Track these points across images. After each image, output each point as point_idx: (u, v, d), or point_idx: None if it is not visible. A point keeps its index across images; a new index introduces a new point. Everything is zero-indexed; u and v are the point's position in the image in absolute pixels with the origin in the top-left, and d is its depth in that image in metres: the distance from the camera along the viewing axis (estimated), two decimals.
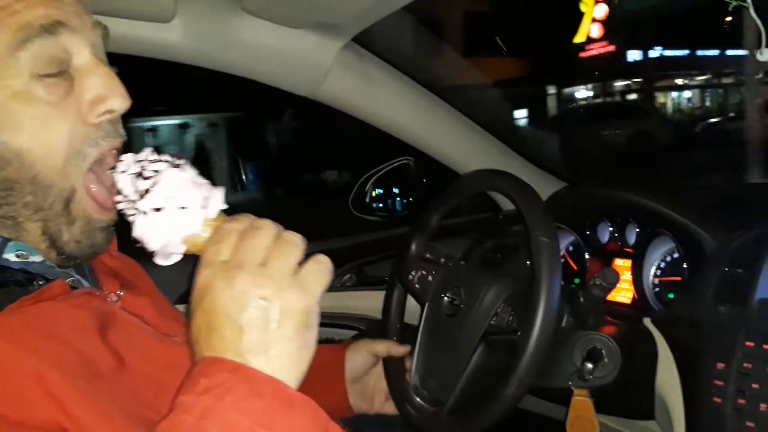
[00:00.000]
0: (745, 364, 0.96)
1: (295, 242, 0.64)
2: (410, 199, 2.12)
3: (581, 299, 1.14)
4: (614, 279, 1.09)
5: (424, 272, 1.27)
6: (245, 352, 0.60)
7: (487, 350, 1.12)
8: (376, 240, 2.00)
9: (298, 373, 0.62)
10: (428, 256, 1.31)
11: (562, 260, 1.55)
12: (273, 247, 0.63)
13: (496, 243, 1.60)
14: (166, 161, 0.72)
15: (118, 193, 0.72)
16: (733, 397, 0.96)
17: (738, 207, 1.24)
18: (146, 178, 0.70)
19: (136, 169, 0.72)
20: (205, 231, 0.69)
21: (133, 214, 0.70)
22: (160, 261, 0.70)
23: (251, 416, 0.56)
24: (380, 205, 2.21)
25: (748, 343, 0.97)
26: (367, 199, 2.26)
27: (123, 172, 0.73)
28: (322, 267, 0.65)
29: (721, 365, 0.99)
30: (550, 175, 1.68)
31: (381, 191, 2.20)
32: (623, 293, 1.39)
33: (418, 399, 1.19)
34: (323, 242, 1.98)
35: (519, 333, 1.01)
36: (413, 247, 1.32)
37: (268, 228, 0.64)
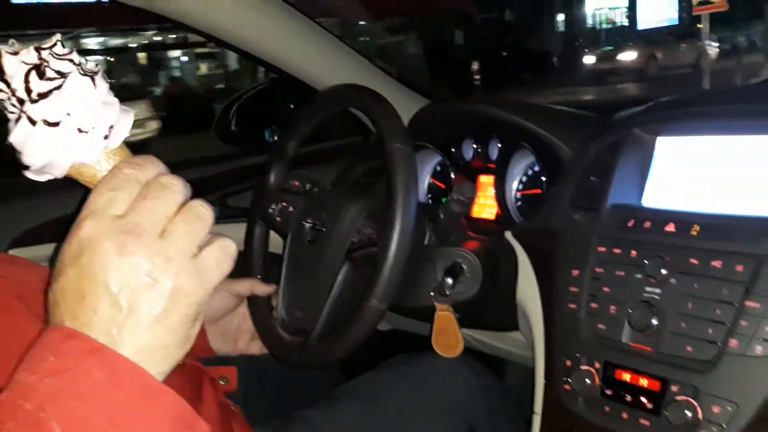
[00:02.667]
0: (597, 269, 0.98)
1: (203, 217, 0.52)
2: (276, 126, 2.01)
3: (441, 216, 1.12)
4: (471, 193, 1.07)
5: (285, 204, 1.19)
6: (115, 334, 0.48)
7: (351, 269, 1.08)
8: (242, 168, 1.87)
9: (168, 369, 0.51)
10: (293, 184, 1.23)
11: (429, 181, 1.53)
12: (178, 219, 0.51)
13: (366, 167, 1.54)
14: (77, 64, 0.54)
15: (2, 77, 0.53)
16: (587, 302, 0.98)
17: (594, 117, 1.25)
18: (45, 77, 0.52)
19: (35, 59, 0.53)
20: (100, 163, 0.54)
21: (16, 115, 0.53)
22: (31, 175, 0.54)
23: (104, 412, 0.46)
24: (246, 132, 2.08)
25: (600, 248, 0.98)
26: (232, 127, 2.11)
27: (16, 54, 0.55)
28: (225, 255, 0.53)
29: (575, 271, 1.00)
30: (415, 93, 1.63)
31: (246, 117, 2.07)
32: (488, 209, 1.39)
33: (285, 333, 1.13)
34: (183, 172, 1.83)
35: (379, 244, 0.98)
36: (271, 177, 1.23)
37: (176, 190, 0.52)
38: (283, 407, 1.30)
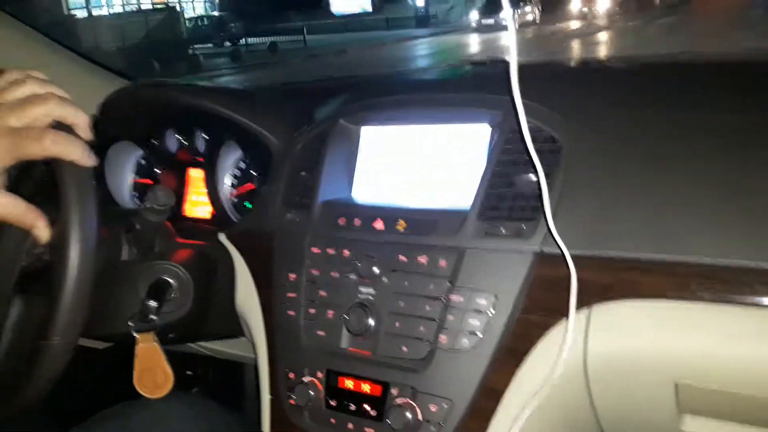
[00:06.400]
0: (313, 271, 0.92)
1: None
2: None
3: (137, 226, 0.96)
4: (166, 199, 0.93)
5: None
6: None
7: (24, 302, 0.87)
8: None
9: None
10: None
11: (132, 178, 1.34)
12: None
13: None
14: None
15: None
16: (305, 308, 0.92)
17: (304, 105, 1.18)
18: None
19: None
20: None
21: None
22: None
23: None
24: None
25: (314, 249, 0.93)
26: None
27: None
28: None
29: (292, 275, 0.94)
30: (110, 72, 1.41)
31: None
32: (201, 207, 1.25)
33: None
34: None
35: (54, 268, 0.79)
36: None
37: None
38: None
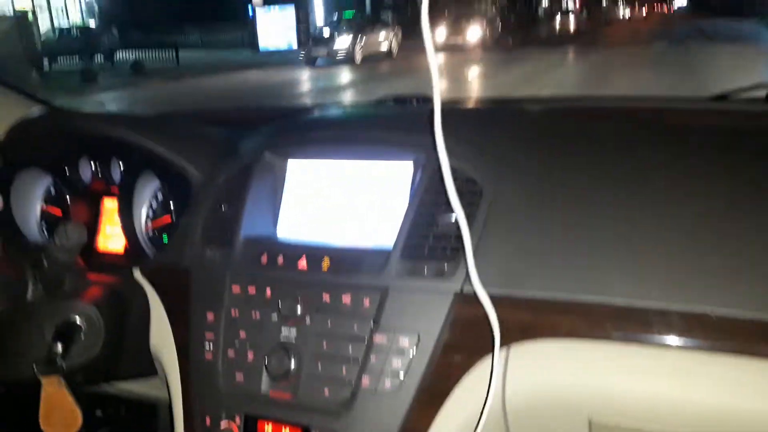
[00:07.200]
0: (233, 311, 0.89)
1: None
2: None
3: (45, 263, 0.90)
4: (77, 237, 0.88)
5: None
6: None
7: None
8: None
9: None
10: None
11: (41, 207, 1.27)
12: None
13: None
14: None
15: None
16: (224, 350, 0.89)
17: (226, 134, 1.16)
18: None
19: None
20: None
21: None
22: None
23: None
24: None
25: (234, 288, 0.90)
26: None
27: None
28: None
29: (210, 315, 0.90)
30: (18, 94, 1.33)
31: None
32: (116, 240, 1.20)
33: None
34: None
35: None
36: None
37: None
38: None
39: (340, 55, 16.67)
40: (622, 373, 0.73)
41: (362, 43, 17.22)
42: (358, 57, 16.90)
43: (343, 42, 16.82)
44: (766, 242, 0.72)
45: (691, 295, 0.71)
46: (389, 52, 18.45)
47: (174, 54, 19.81)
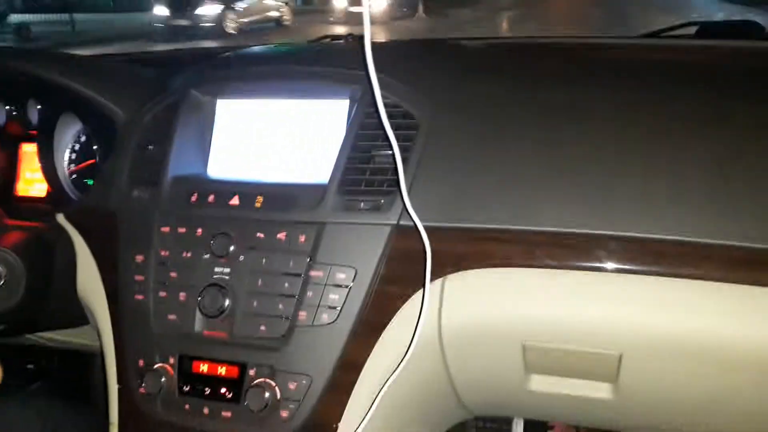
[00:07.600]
0: (163, 252, 0.86)
1: None
2: None
3: None
4: None
5: None
6: None
7: None
8: None
9: None
10: None
11: None
12: None
13: None
14: None
15: None
16: (155, 291, 0.86)
17: (152, 74, 1.10)
18: None
19: None
20: None
21: None
22: None
23: None
24: None
25: (163, 228, 0.87)
26: None
27: None
28: None
29: (139, 257, 0.87)
30: None
31: None
32: (36, 186, 1.14)
33: None
34: None
35: None
36: None
37: None
38: None
39: (205, 23, 13.00)
40: (555, 298, 0.75)
41: (240, 9, 13.81)
42: (231, 26, 13.36)
43: (209, 7, 13.11)
44: (689, 168, 0.74)
45: (618, 219, 0.73)
46: (279, 20, 15.19)
47: (70, 18, 15.78)
